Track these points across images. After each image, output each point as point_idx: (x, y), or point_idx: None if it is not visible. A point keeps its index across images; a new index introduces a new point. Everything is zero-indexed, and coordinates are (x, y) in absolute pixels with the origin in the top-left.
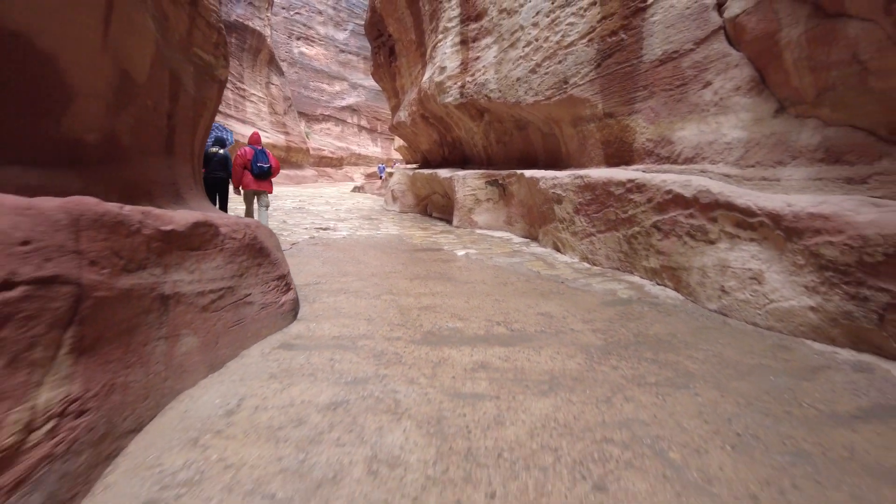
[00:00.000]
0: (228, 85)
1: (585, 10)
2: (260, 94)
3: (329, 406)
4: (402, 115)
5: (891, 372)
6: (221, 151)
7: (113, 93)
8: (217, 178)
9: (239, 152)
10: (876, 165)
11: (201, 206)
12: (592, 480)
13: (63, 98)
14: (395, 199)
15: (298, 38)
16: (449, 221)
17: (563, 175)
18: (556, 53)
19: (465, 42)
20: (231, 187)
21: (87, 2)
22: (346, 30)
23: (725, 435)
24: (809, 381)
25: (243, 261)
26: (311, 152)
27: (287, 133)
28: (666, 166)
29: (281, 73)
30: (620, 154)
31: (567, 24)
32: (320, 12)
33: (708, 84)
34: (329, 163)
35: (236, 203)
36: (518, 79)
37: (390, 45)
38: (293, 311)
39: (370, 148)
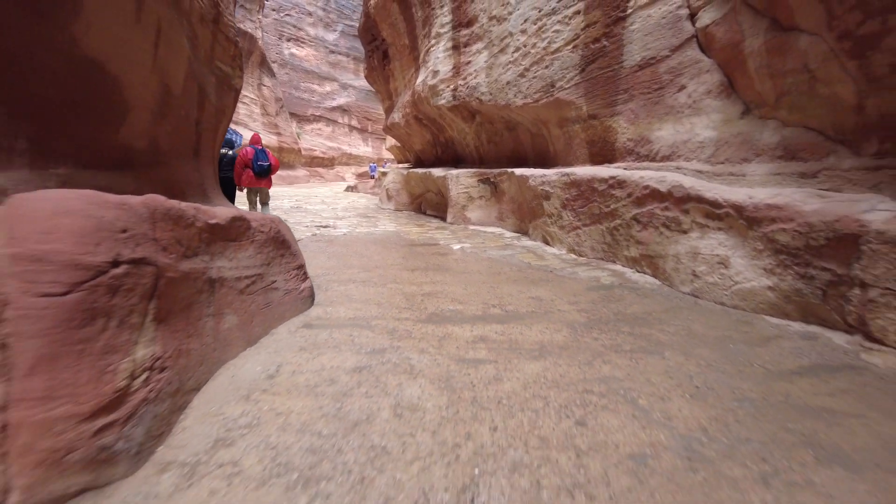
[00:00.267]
0: None
1: (570, 19)
2: (252, 96)
3: (355, 369)
4: (396, 116)
5: (831, 339)
6: (231, 153)
7: (157, 105)
8: (226, 177)
9: (241, 152)
10: (824, 161)
11: (223, 204)
12: (575, 418)
13: (122, 111)
14: (389, 197)
15: (289, 40)
16: (443, 218)
17: (551, 173)
18: (543, 59)
19: (456, 47)
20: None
21: (145, 30)
22: (335, 31)
23: (686, 387)
24: (762, 347)
25: (269, 251)
26: (303, 153)
27: (279, 134)
28: (645, 164)
29: (272, 74)
30: (604, 153)
31: (553, 32)
32: (310, 13)
33: (682, 88)
34: (321, 163)
35: (238, 202)
36: (508, 82)
37: (384, 48)
38: (311, 297)
39: (361, 148)
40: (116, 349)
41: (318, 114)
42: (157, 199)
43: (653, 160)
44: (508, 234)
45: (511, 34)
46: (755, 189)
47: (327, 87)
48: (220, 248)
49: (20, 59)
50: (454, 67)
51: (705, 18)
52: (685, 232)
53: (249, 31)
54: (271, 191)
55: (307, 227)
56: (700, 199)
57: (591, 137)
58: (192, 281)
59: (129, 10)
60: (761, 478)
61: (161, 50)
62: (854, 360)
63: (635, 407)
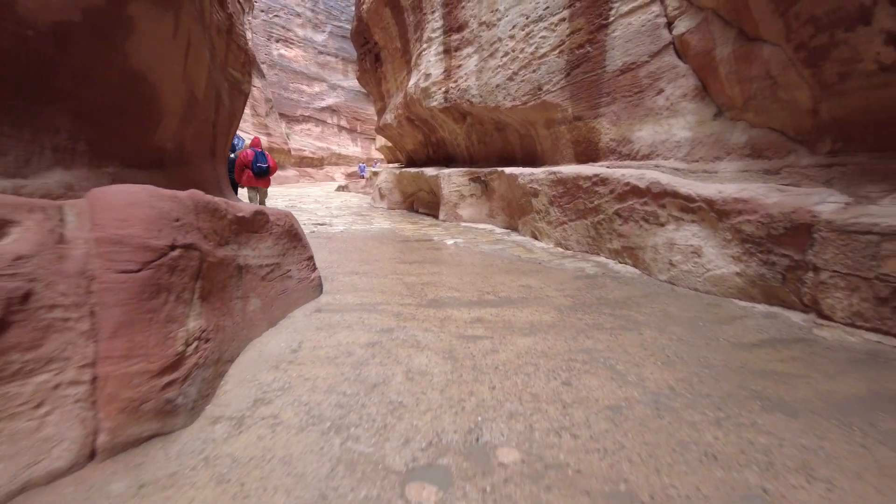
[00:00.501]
0: None
1: (556, 26)
2: None
3: (368, 344)
4: (389, 117)
5: (789, 318)
6: (232, 155)
7: (184, 110)
8: (230, 178)
9: (241, 154)
10: (786, 159)
11: (235, 200)
12: (561, 379)
13: (158, 116)
14: (382, 196)
15: (278, 41)
16: (435, 216)
17: (539, 171)
18: (530, 63)
19: (448, 51)
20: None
21: (179, 45)
22: (324, 31)
23: (658, 357)
24: (728, 325)
25: (284, 243)
26: (293, 153)
27: (269, 134)
28: (626, 162)
29: (262, 75)
30: (588, 152)
31: (540, 38)
32: (299, 14)
33: (661, 91)
34: (310, 163)
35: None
36: (497, 85)
37: (376, 52)
38: (320, 286)
39: (350, 148)
40: (175, 319)
41: (307, 114)
42: (199, 194)
43: (634, 159)
44: (499, 230)
45: (500, 39)
46: (725, 184)
47: (316, 88)
48: (245, 238)
49: (85, 74)
50: (445, 70)
51: (681, 27)
52: (662, 225)
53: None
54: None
55: (305, 224)
56: (676, 195)
57: (577, 138)
58: (225, 266)
59: (169, 29)
60: (715, 421)
61: (189, 61)
62: (807, 334)
63: (613, 371)
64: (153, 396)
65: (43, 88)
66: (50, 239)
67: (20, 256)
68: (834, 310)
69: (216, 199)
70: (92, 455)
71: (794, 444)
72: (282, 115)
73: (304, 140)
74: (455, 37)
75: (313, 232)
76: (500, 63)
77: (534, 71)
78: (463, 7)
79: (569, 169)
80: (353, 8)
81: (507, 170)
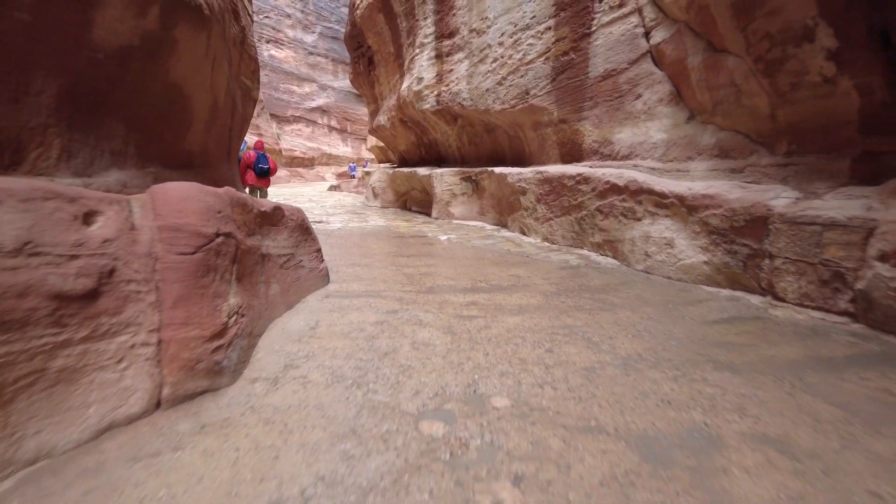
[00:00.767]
0: None
1: (542, 34)
2: None
3: (377, 323)
4: (382, 119)
5: (749, 300)
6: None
7: (209, 117)
8: None
9: (245, 155)
10: (749, 159)
11: None
12: (544, 348)
13: (188, 123)
14: (375, 195)
15: (268, 42)
16: (428, 214)
17: (527, 171)
18: (518, 69)
19: (439, 56)
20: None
21: (208, 59)
22: (314, 32)
23: (630, 331)
24: (695, 306)
25: (297, 235)
26: (283, 153)
27: (260, 135)
28: (608, 162)
29: None
30: (572, 153)
31: (527, 45)
32: (289, 16)
33: (639, 96)
34: (301, 163)
35: None
36: (487, 89)
37: (369, 55)
38: (327, 275)
39: (340, 148)
40: (220, 295)
41: (297, 114)
42: (232, 191)
43: (614, 159)
44: (489, 226)
45: (490, 46)
46: (695, 182)
47: (306, 88)
48: (266, 230)
49: (136, 88)
50: (437, 75)
51: (657, 37)
52: (639, 219)
53: None
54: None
55: None
56: (651, 192)
57: (562, 139)
58: (252, 254)
59: (202, 47)
60: (673, 377)
61: (215, 73)
62: (762, 313)
63: (589, 342)
64: (205, 358)
65: (105, 101)
66: (125, 226)
67: (106, 239)
68: (786, 292)
69: (244, 195)
70: (158, 404)
71: (735, 393)
72: (272, 116)
73: (294, 140)
74: (446, 42)
75: None
76: (490, 68)
77: (521, 76)
78: (454, 14)
79: (554, 169)
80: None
81: (497, 169)
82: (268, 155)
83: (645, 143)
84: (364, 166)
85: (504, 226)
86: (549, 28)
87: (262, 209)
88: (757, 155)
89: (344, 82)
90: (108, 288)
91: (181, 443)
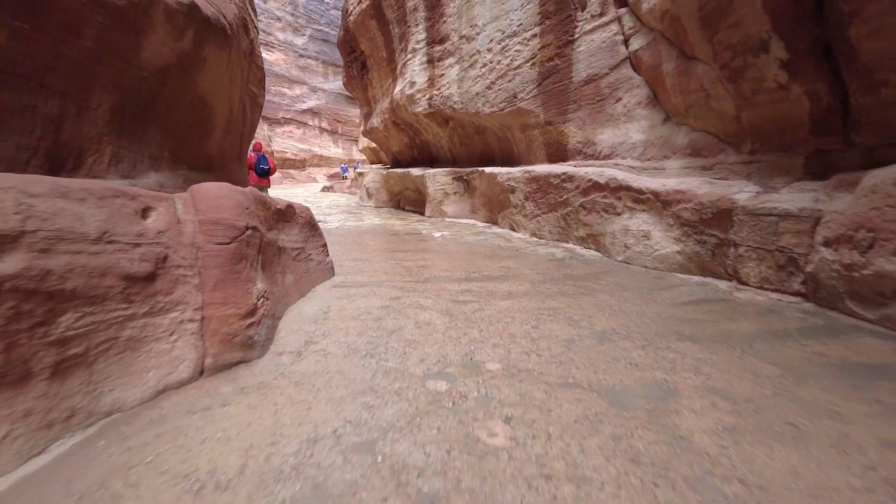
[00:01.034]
0: None
1: (528, 41)
2: None
3: (382, 307)
4: (375, 121)
5: (717, 285)
6: None
7: (226, 124)
8: None
9: (246, 156)
10: (718, 158)
11: None
12: (531, 325)
13: (211, 130)
14: (369, 195)
15: (259, 45)
16: (421, 213)
17: (516, 171)
18: (506, 74)
19: (431, 61)
20: None
21: (227, 72)
22: (304, 35)
23: (606, 311)
24: (667, 291)
25: (307, 231)
26: (275, 155)
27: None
28: (590, 162)
29: None
30: (558, 153)
31: (514, 51)
32: (279, 18)
33: (619, 99)
34: (292, 165)
35: None
36: (477, 93)
37: (362, 59)
38: (332, 269)
39: (332, 149)
40: (250, 280)
41: (288, 116)
42: (255, 190)
43: (597, 158)
44: (481, 224)
45: (479, 52)
46: (669, 179)
47: (297, 91)
48: (281, 226)
49: (171, 100)
50: (429, 79)
51: (635, 44)
52: (619, 214)
53: None
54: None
55: None
56: (629, 188)
57: (548, 140)
58: (272, 246)
59: (224, 62)
60: (641, 346)
61: (231, 84)
62: (727, 296)
63: (570, 320)
64: (240, 333)
65: (147, 113)
66: (173, 220)
67: (160, 231)
68: (748, 276)
69: (264, 194)
70: (201, 372)
71: (693, 358)
72: (264, 118)
73: (286, 142)
74: (438, 48)
75: None
76: (480, 73)
77: (509, 81)
78: (444, 21)
79: (541, 168)
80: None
81: (487, 169)
82: (267, 156)
83: (625, 144)
84: (355, 167)
85: (495, 223)
86: (535, 35)
87: (278, 207)
88: (725, 153)
89: (334, 84)
90: (163, 272)
91: (227, 400)
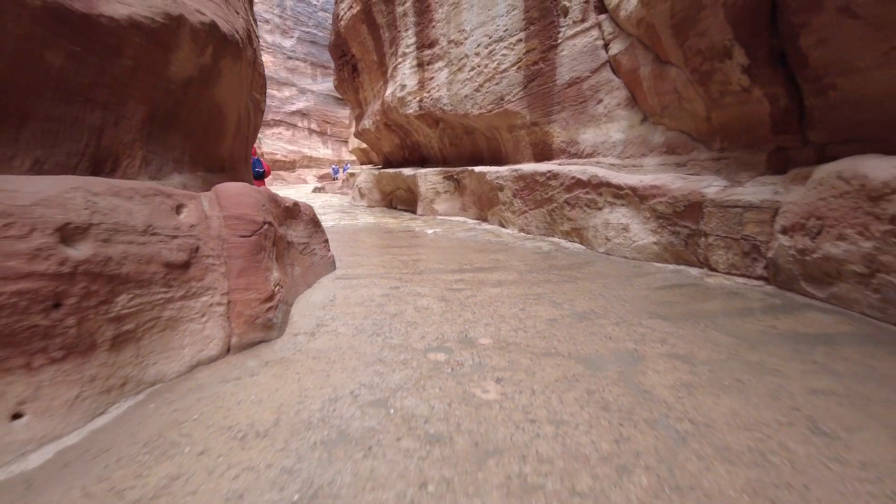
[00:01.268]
0: None
1: (514, 45)
2: None
3: (383, 295)
4: (367, 123)
5: (690, 272)
6: None
7: (235, 128)
8: None
9: None
10: (691, 155)
11: None
12: (519, 308)
13: (223, 135)
14: (362, 195)
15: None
16: (413, 212)
17: (504, 169)
18: (494, 77)
19: (421, 65)
20: None
21: (238, 81)
22: (292, 37)
23: (587, 296)
24: (643, 277)
25: (311, 228)
26: (265, 157)
27: None
28: (574, 160)
29: None
30: (544, 152)
31: (501, 55)
32: (267, 21)
33: (600, 101)
34: (282, 166)
35: None
36: (466, 96)
37: (353, 63)
38: (334, 263)
39: (321, 150)
40: (268, 269)
41: (277, 118)
42: (268, 189)
43: (580, 157)
44: (471, 221)
45: (467, 56)
46: (645, 175)
47: (286, 93)
48: (289, 222)
49: (192, 108)
50: (419, 82)
51: (615, 48)
52: (600, 209)
53: None
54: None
55: None
56: (609, 185)
57: (534, 140)
58: (282, 240)
59: (237, 72)
60: (616, 323)
61: (240, 91)
62: (698, 281)
63: (554, 303)
64: (261, 315)
65: (171, 120)
66: (202, 215)
67: (192, 225)
68: (718, 263)
69: (275, 193)
70: (228, 350)
71: (661, 332)
72: None
73: (275, 144)
74: (427, 52)
75: None
76: (468, 76)
77: (497, 83)
78: (433, 27)
79: (528, 167)
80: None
81: (477, 168)
82: (261, 158)
83: (606, 143)
84: (344, 168)
85: (484, 220)
86: (521, 40)
87: (286, 204)
88: (697, 151)
89: (323, 85)
90: (195, 260)
91: (254, 371)
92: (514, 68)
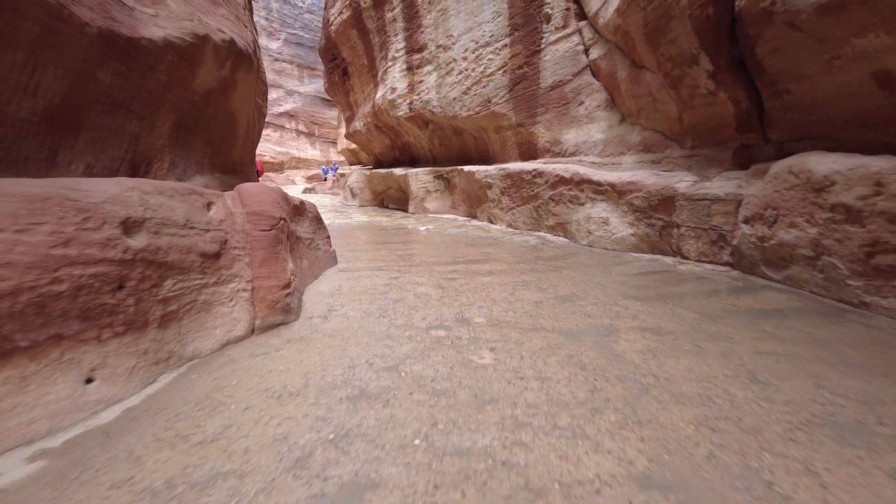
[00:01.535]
0: None
1: (500, 50)
2: None
3: (385, 284)
4: (358, 124)
5: (664, 260)
6: None
7: (244, 134)
8: None
9: None
10: (665, 153)
11: None
12: (508, 292)
13: (235, 139)
14: (353, 195)
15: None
16: (404, 210)
17: (492, 168)
18: (481, 80)
19: (410, 68)
20: None
21: (248, 90)
22: (278, 39)
23: (569, 281)
24: (621, 266)
25: (315, 224)
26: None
27: None
28: (558, 159)
29: None
30: (530, 152)
31: (487, 59)
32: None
33: (582, 103)
34: (271, 168)
35: None
36: (454, 98)
37: (344, 66)
38: (335, 257)
39: (309, 151)
40: (285, 260)
41: (266, 120)
42: (281, 189)
43: (563, 156)
44: (461, 218)
45: (455, 60)
46: (623, 172)
47: (273, 94)
48: (298, 219)
49: (211, 116)
50: (409, 85)
51: (594, 53)
52: (582, 204)
53: None
54: None
55: None
56: (590, 181)
57: (520, 140)
58: (293, 235)
59: (249, 82)
60: (594, 304)
61: (250, 99)
62: (671, 269)
63: (539, 288)
64: (281, 300)
65: (194, 127)
66: (228, 212)
67: (221, 220)
68: (689, 252)
69: (286, 192)
70: (252, 331)
71: (633, 310)
72: None
73: (263, 146)
74: (416, 56)
75: None
76: (456, 80)
77: (484, 87)
78: (422, 32)
79: (515, 166)
80: (307, 15)
81: (466, 168)
82: (255, 160)
83: (587, 142)
84: (333, 169)
85: (474, 217)
86: (506, 45)
87: (296, 203)
88: (671, 149)
89: (310, 87)
90: (224, 251)
91: (279, 347)
92: (500, 72)
